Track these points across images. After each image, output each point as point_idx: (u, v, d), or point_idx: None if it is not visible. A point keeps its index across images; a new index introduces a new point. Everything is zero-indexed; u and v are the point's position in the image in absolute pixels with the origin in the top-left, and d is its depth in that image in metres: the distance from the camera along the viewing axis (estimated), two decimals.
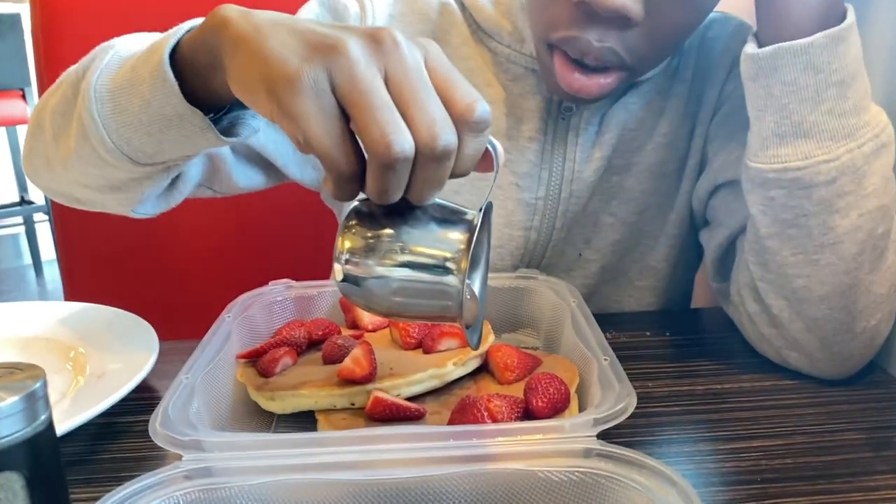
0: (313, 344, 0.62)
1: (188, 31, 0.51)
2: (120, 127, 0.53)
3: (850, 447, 0.53)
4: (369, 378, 0.53)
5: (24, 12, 2.45)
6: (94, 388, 0.60)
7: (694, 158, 0.76)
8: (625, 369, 0.51)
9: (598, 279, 0.79)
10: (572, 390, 0.54)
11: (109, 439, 0.57)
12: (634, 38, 0.62)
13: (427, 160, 0.40)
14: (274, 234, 0.98)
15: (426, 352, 0.58)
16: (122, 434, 0.57)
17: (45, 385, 0.42)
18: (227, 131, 0.53)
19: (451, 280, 0.43)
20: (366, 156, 0.40)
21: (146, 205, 0.64)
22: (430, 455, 0.44)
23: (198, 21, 0.50)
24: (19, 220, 3.07)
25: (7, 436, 0.40)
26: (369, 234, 0.43)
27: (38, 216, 3.04)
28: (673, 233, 0.79)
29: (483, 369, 0.59)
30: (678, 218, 0.78)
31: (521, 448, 0.44)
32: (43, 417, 0.41)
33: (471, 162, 0.42)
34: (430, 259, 0.43)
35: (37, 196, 3.01)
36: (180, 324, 0.75)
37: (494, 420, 0.48)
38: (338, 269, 0.43)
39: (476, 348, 0.47)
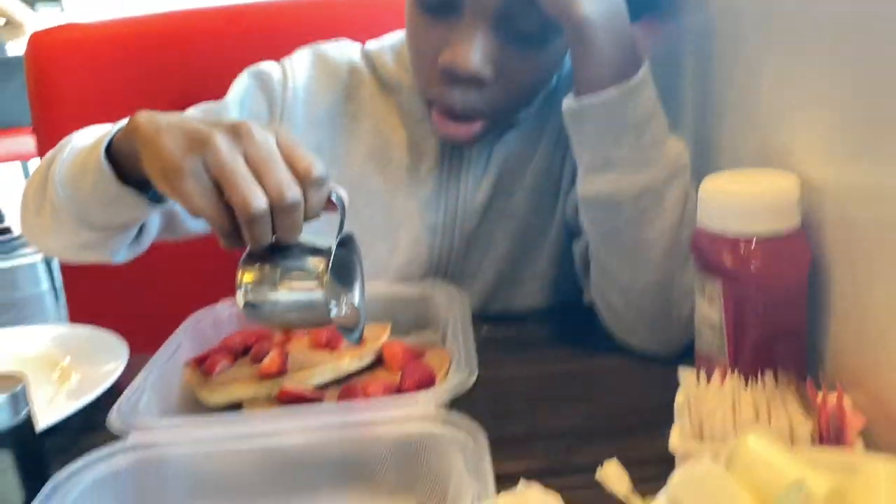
0: (249, 349, 0.77)
1: (119, 130, 0.68)
2: (79, 204, 0.71)
3: (647, 411, 0.66)
4: (281, 372, 0.68)
5: None
6: (76, 392, 0.75)
7: (566, 180, 0.90)
8: (495, 358, 0.65)
9: (495, 283, 0.93)
10: (441, 373, 0.68)
11: (87, 431, 0.72)
12: (491, 94, 0.77)
13: (279, 211, 0.56)
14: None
15: (332, 349, 0.73)
16: (98, 427, 0.72)
17: (25, 388, 0.57)
18: (161, 198, 0.70)
19: (318, 295, 0.58)
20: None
21: (120, 254, 0.81)
22: (313, 424, 0.58)
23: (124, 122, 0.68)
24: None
25: None
26: (258, 269, 0.59)
27: None
28: (555, 241, 0.92)
29: (379, 363, 0.74)
30: (558, 229, 0.92)
31: (377, 415, 0.58)
32: (24, 411, 0.57)
33: (317, 208, 0.58)
34: (301, 281, 0.58)
35: None
36: (160, 337, 0.90)
37: (367, 397, 0.63)
38: (239, 298, 0.60)
39: (357, 343, 0.63)
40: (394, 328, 0.79)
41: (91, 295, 1.21)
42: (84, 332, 0.91)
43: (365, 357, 0.72)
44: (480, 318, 0.82)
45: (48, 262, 3.16)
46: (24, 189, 0.80)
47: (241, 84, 0.90)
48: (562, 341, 0.83)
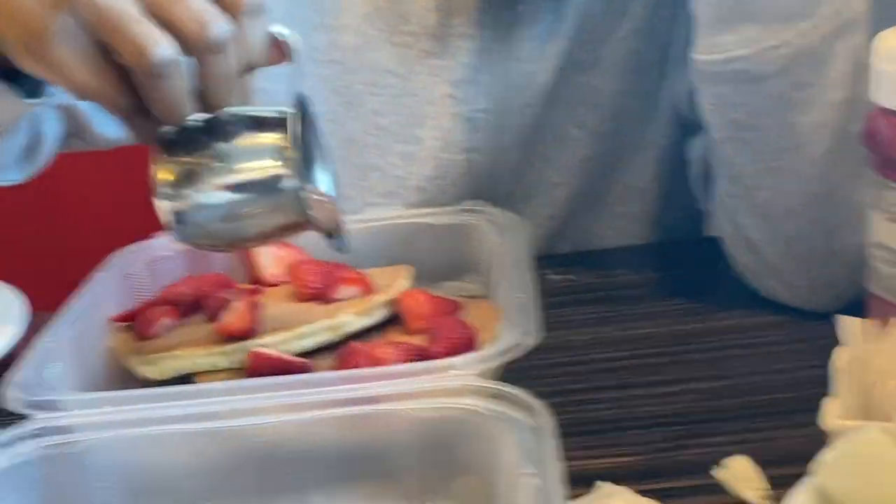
0: (201, 301, 0.79)
1: None
2: None
3: (793, 386, 0.68)
4: (250, 332, 0.70)
5: None
6: None
7: (677, 46, 0.90)
8: (576, 314, 0.66)
9: (567, 208, 0.95)
10: (486, 335, 0.70)
11: None
12: None
13: (206, 54, 0.56)
14: None
15: (324, 302, 0.75)
16: None
17: None
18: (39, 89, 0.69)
19: (286, 183, 0.60)
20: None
21: (7, 173, 0.83)
22: (298, 401, 0.60)
23: None
24: None
25: None
26: (182, 160, 0.60)
27: None
28: (659, 143, 0.94)
29: (395, 321, 0.75)
30: (664, 124, 0.93)
31: (395, 389, 0.60)
32: None
33: (258, 49, 0.59)
34: (255, 167, 0.60)
35: None
36: (53, 292, 0.93)
37: (379, 366, 0.65)
38: (159, 208, 0.60)
39: (346, 251, 0.66)
40: (417, 274, 0.81)
41: None
42: None
43: (374, 311, 0.74)
44: (545, 259, 0.84)
45: None
46: None
47: None
48: (665, 292, 0.85)
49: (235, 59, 0.58)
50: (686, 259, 0.91)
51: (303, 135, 0.62)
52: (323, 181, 0.67)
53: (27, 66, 0.59)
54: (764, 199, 0.77)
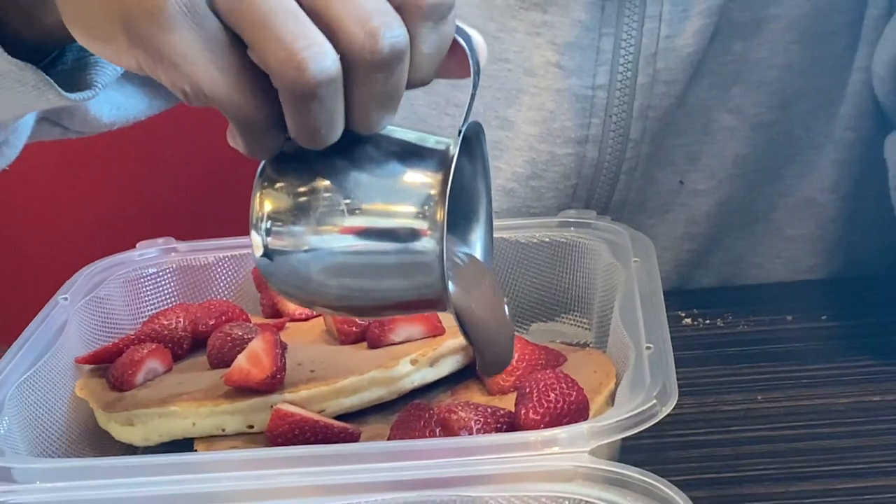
0: (201, 342, 0.82)
1: None
2: None
3: None
4: (273, 384, 0.73)
5: None
6: None
7: (877, 7, 0.92)
8: (723, 373, 0.66)
9: (714, 225, 0.97)
10: (599, 399, 0.72)
11: None
12: None
13: (369, 71, 0.56)
14: (151, 171, 1.19)
15: (372, 346, 0.77)
16: None
17: None
18: (76, 79, 0.72)
19: (424, 243, 0.61)
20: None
21: None
22: (342, 481, 0.62)
23: None
24: None
25: None
26: (299, 189, 0.61)
27: None
28: (844, 139, 0.95)
29: (470, 374, 0.78)
30: (854, 113, 0.94)
31: (476, 470, 0.62)
32: None
33: (431, 65, 0.59)
34: (390, 216, 0.61)
35: None
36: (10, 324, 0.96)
37: (452, 435, 0.67)
38: (257, 242, 0.62)
39: (496, 371, 0.69)
40: None
41: None
42: None
43: (443, 361, 0.76)
44: (679, 296, 0.86)
45: None
46: None
47: None
48: (850, 349, 0.86)
49: (404, 77, 0.58)
50: (880, 302, 0.92)
51: (466, 172, 0.66)
52: (477, 244, 0.70)
53: (124, 60, 0.59)
54: None
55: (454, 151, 0.61)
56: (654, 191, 0.96)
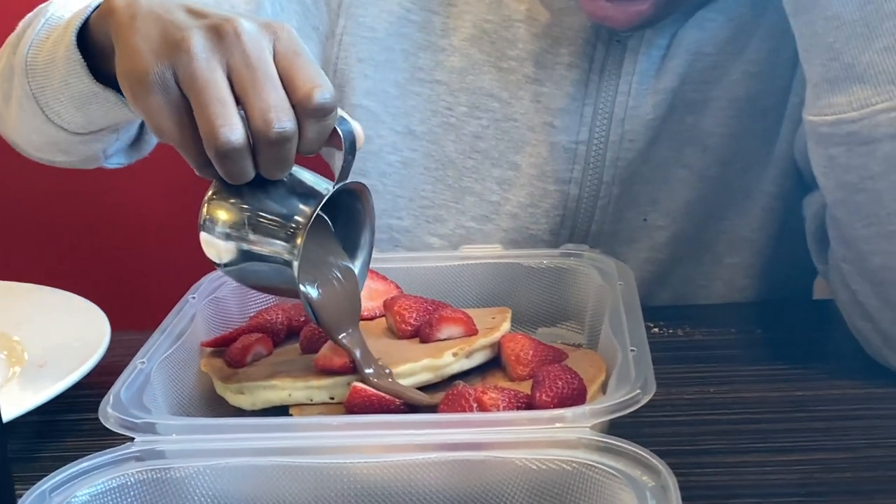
0: (294, 333, 0.83)
1: (96, 9, 0.75)
2: (49, 100, 0.80)
3: None
4: (350, 367, 0.74)
5: None
6: (33, 379, 0.82)
7: (795, 95, 0.93)
8: (684, 371, 0.68)
9: (670, 253, 0.98)
10: (593, 388, 0.73)
11: (51, 437, 0.78)
12: None
13: (264, 145, 0.64)
14: None
15: (423, 341, 0.78)
16: (67, 432, 0.79)
17: None
18: None
19: (285, 255, 0.68)
20: None
21: (114, 158, 0.91)
22: (400, 441, 0.63)
23: None
24: None
25: None
26: (225, 204, 0.69)
27: None
28: (770, 191, 0.96)
29: (496, 365, 0.78)
30: (778, 172, 0.95)
31: (502, 437, 0.63)
32: None
33: (314, 144, 0.67)
34: (270, 234, 0.68)
35: None
36: (133, 311, 0.97)
37: (485, 411, 0.68)
38: (202, 240, 0.70)
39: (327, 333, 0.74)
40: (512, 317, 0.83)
41: (17, 243, 1.30)
42: (34, 293, 0.98)
43: (475, 355, 0.77)
44: (646, 311, 0.86)
45: None
46: None
47: None
48: (778, 355, 0.87)
49: (291, 150, 0.66)
50: (799, 320, 0.94)
51: (354, 212, 0.74)
52: (357, 260, 0.76)
53: (130, 103, 0.68)
54: (879, 264, 0.78)
55: (326, 194, 0.69)
56: (624, 225, 0.97)
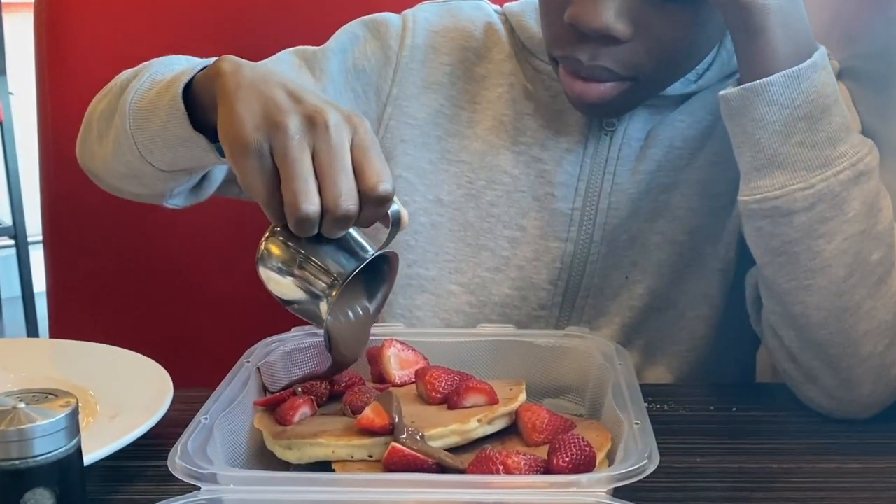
0: (335, 396, 0.81)
1: (203, 69, 0.79)
2: (145, 140, 0.84)
3: None
4: (389, 429, 0.71)
5: None
6: (106, 428, 0.79)
7: None
8: (674, 442, 0.67)
9: (645, 304, 1.00)
10: (601, 455, 0.70)
11: (121, 481, 0.76)
12: (629, 54, 0.86)
13: (329, 220, 0.70)
14: None
15: (451, 407, 0.76)
16: (134, 478, 0.77)
17: (77, 410, 0.61)
18: None
19: (322, 305, 0.72)
20: None
21: (177, 198, 0.94)
22: (434, 499, 0.61)
23: (211, 60, 0.80)
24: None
25: (43, 454, 0.59)
26: (283, 243, 0.73)
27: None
28: (728, 257, 0.99)
29: (512, 430, 0.76)
30: (731, 240, 0.99)
31: (526, 498, 0.61)
32: (74, 440, 0.61)
33: (368, 222, 0.73)
34: (311, 283, 0.73)
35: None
36: (190, 370, 0.94)
37: (510, 474, 0.65)
38: (259, 271, 0.74)
39: (339, 364, 0.79)
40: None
41: (84, 303, 1.27)
42: (106, 352, 0.96)
43: (496, 421, 0.75)
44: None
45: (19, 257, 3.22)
46: (90, 108, 0.94)
47: (350, 32, 1.02)
48: (754, 431, 0.86)
49: (350, 224, 0.71)
50: (770, 401, 0.93)
51: (381, 272, 0.78)
52: (374, 304, 0.80)
53: (228, 158, 0.73)
54: (799, 311, 0.83)
55: (366, 259, 0.73)
56: (608, 282, 1.00)
